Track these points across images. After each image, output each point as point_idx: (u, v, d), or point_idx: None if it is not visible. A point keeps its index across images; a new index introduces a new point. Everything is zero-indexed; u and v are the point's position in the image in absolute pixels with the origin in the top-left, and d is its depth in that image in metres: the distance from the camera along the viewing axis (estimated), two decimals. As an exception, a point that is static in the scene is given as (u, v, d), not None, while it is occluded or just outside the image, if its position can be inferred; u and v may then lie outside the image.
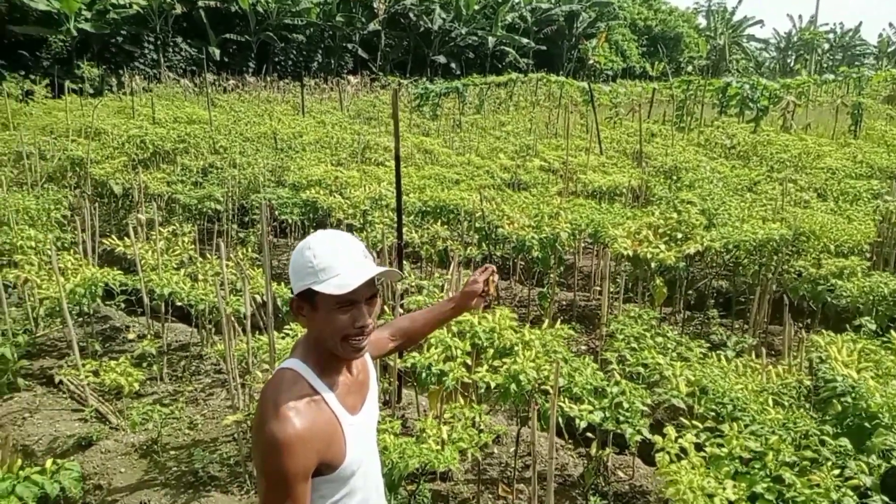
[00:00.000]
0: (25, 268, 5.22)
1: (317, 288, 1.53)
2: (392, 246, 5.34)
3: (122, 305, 6.23)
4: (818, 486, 2.19)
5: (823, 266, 5.07)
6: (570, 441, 4.28)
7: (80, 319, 5.78)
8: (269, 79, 24.39)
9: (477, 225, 6.59)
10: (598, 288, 7.05)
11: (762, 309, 5.86)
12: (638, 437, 3.16)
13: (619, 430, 3.01)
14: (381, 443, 2.72)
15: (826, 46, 56.31)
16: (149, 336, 5.24)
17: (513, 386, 3.24)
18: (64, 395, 4.88)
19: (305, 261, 1.55)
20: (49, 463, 2.31)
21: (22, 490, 2.18)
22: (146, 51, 26.92)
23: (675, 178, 8.38)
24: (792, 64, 56.20)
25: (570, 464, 4.06)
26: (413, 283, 5.00)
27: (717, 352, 3.74)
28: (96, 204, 7.72)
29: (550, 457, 2.68)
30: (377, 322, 1.70)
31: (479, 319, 3.68)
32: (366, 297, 1.59)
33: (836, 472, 2.26)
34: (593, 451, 3.14)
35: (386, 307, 4.47)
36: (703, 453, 2.43)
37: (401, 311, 4.31)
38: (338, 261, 1.54)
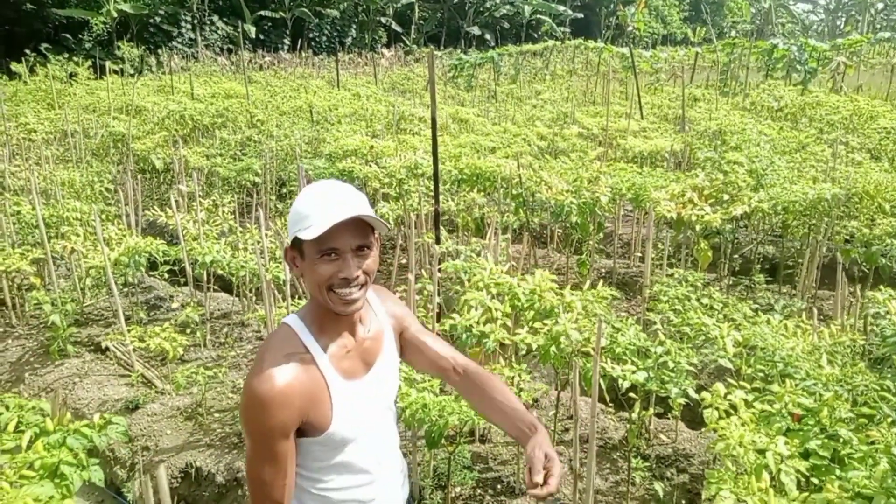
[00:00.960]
0: (71, 238, 5.34)
1: (301, 234, 1.47)
2: (429, 213, 5.30)
3: (166, 276, 6.35)
4: (877, 442, 2.09)
5: (878, 226, 4.84)
6: (610, 405, 4.22)
7: (126, 290, 5.92)
8: (303, 55, 24.43)
9: (514, 192, 6.49)
10: (640, 254, 6.91)
11: (811, 273, 5.65)
12: (682, 400, 3.09)
13: (663, 391, 2.93)
14: (419, 401, 2.70)
15: (880, 6, 53.61)
16: (191, 304, 5.33)
17: (553, 348, 3.18)
18: (111, 362, 5.01)
19: (294, 209, 1.52)
20: (97, 417, 2.35)
21: (72, 442, 2.23)
22: (183, 30, 27.23)
23: (719, 141, 8.11)
24: (842, 26, 53.74)
25: (610, 427, 4.01)
26: (451, 249, 4.96)
27: (765, 315, 3.62)
28: (138, 178, 7.87)
29: (592, 416, 2.63)
30: (373, 278, 1.60)
31: (518, 281, 3.62)
32: (352, 246, 1.51)
33: (896, 430, 2.15)
34: (635, 412, 3.07)
35: (424, 271, 4.45)
36: (752, 410, 2.34)
37: (438, 274, 4.27)
38: (318, 207, 1.48)
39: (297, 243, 1.52)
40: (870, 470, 1.98)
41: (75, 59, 21.69)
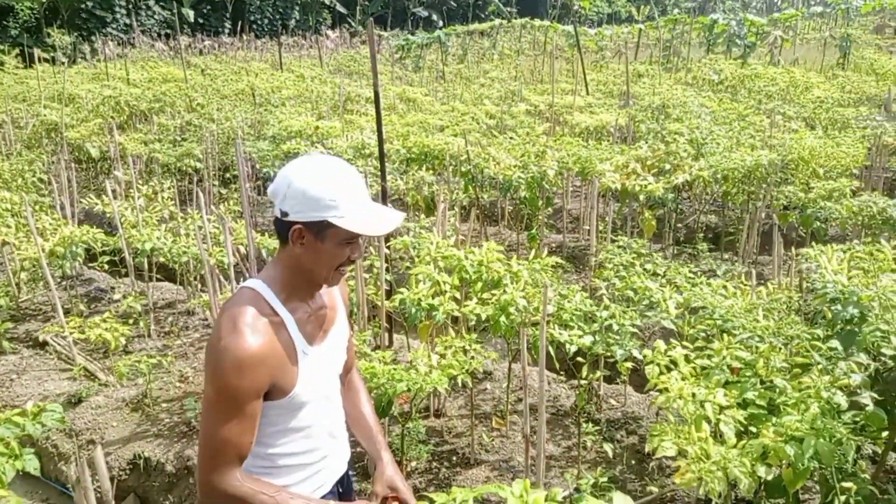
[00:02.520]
0: (2, 230, 5.10)
1: (337, 222, 1.50)
2: (377, 192, 5.25)
3: (106, 267, 6.14)
4: (809, 388, 2.17)
5: (813, 190, 5.02)
6: (561, 373, 4.28)
7: (64, 283, 5.70)
8: (245, 38, 23.79)
9: (463, 170, 6.48)
10: (588, 227, 7.01)
11: (751, 239, 5.83)
12: (629, 364, 3.15)
13: (609, 354, 2.99)
14: (368, 369, 2.69)
15: (813, -18, 55.27)
16: (133, 294, 5.17)
17: (503, 318, 3.20)
18: (51, 357, 4.82)
19: (324, 192, 1.49)
20: (30, 405, 2.26)
21: (3, 431, 2.14)
22: (118, 15, 26.17)
23: (662, 115, 8.26)
24: (779, 3, 55.27)
25: (562, 395, 4.07)
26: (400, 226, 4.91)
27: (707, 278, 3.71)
28: (73, 168, 7.56)
29: (541, 380, 2.65)
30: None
31: (466, 254, 3.62)
32: None
33: (827, 377, 2.24)
34: (583, 374, 3.12)
35: (372, 248, 4.41)
36: (693, 365, 2.40)
37: (386, 251, 4.24)
38: (358, 197, 1.53)
39: (315, 225, 1.52)
40: (802, 414, 2.06)
41: (0, 47, 20.64)
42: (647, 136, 6.58)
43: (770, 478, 2.26)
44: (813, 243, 3.17)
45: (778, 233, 3.98)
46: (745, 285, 3.53)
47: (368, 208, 1.56)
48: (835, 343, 2.28)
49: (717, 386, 2.26)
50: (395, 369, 2.67)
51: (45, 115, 8.99)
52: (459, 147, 6.48)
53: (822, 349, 2.34)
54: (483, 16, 35.59)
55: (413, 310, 3.36)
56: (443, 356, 3.08)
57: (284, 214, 1.53)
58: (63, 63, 19.29)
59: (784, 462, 2.03)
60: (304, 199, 1.50)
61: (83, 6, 25.29)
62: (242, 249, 4.79)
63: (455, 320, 3.79)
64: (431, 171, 6.39)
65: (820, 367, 2.25)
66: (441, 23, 33.20)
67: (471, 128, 7.75)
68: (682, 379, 2.30)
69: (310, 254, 1.56)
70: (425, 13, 35.42)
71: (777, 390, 2.27)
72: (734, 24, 15.56)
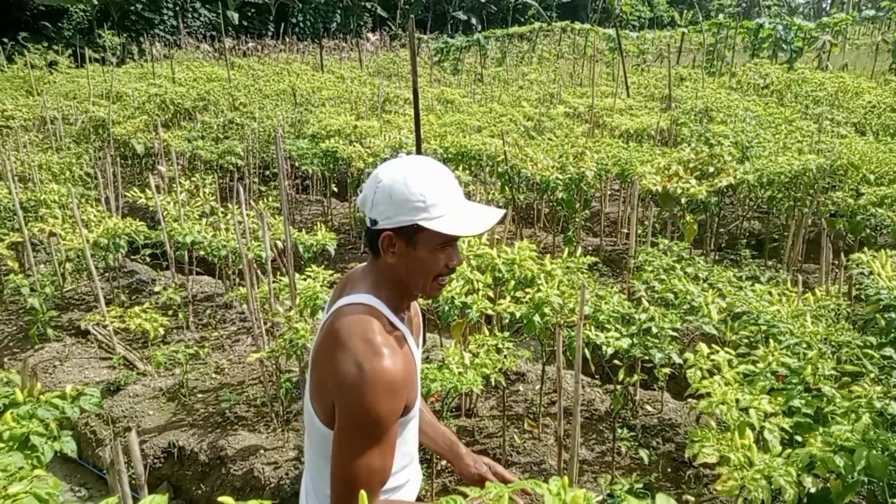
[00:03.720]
0: (49, 221, 5.25)
1: (428, 225, 1.38)
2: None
3: (148, 260, 6.26)
4: (860, 398, 2.07)
5: (863, 196, 4.83)
6: (596, 377, 4.20)
7: (107, 274, 5.83)
8: (287, 41, 24.14)
9: (499, 170, 6.44)
10: (626, 231, 6.88)
11: (797, 247, 5.65)
12: (667, 369, 3.07)
13: (647, 357, 2.91)
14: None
15: (865, -13, 53.66)
16: (174, 287, 5.26)
17: (536, 317, 3.15)
18: (92, 345, 4.94)
19: (411, 194, 1.37)
20: (69, 388, 2.30)
21: (43, 413, 2.18)
22: (165, 17, 26.82)
23: (706, 118, 8.09)
24: (828, 8, 53.82)
25: (597, 399, 3.99)
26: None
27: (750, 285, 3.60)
28: (119, 163, 7.75)
29: (577, 381, 2.60)
30: None
31: (498, 252, 3.58)
32: None
33: (879, 386, 2.14)
34: (620, 377, 3.05)
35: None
36: (736, 370, 2.32)
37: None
38: (450, 196, 1.41)
39: (405, 231, 1.40)
40: (852, 424, 1.97)
41: (55, 47, 21.34)
42: (691, 138, 6.43)
43: (814, 490, 2.17)
44: (864, 250, 3.04)
45: (825, 235, 3.84)
46: (791, 292, 3.41)
47: (462, 208, 1.43)
48: (889, 351, 2.17)
49: (762, 392, 2.17)
50: (427, 368, 2.64)
51: (93, 112, 9.25)
52: (497, 147, 6.44)
53: (874, 357, 2.24)
54: (522, 20, 35.46)
55: (446, 307, 3.33)
56: (475, 355, 3.04)
57: (374, 223, 1.42)
58: (112, 63, 19.85)
59: (832, 473, 1.94)
60: (391, 203, 1.38)
61: (132, 8, 25.99)
62: (280, 244, 4.82)
63: (488, 319, 3.75)
64: (468, 172, 6.36)
65: (872, 375, 2.15)
66: (480, 26, 33.21)
67: (509, 129, 7.70)
68: (726, 384, 2.22)
69: (403, 263, 1.44)
70: (465, 17, 35.47)
71: (825, 399, 2.18)
72: (780, 29, 15.17)
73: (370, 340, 1.37)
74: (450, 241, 1.43)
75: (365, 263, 1.59)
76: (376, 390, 1.33)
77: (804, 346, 2.41)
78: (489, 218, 1.45)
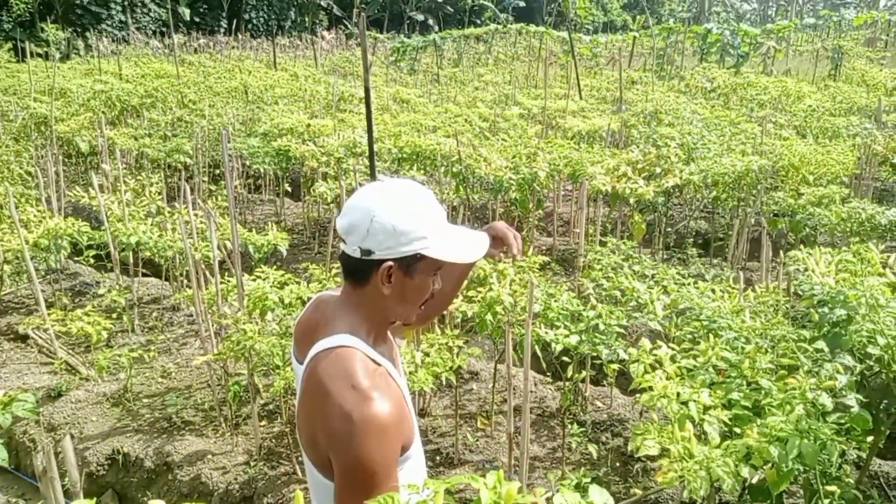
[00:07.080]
0: (-16, 221, 5.03)
1: (429, 253, 1.36)
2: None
3: (92, 261, 6.06)
4: (794, 389, 2.15)
5: (803, 196, 5.02)
6: (548, 375, 4.26)
7: (49, 277, 5.62)
8: (240, 38, 23.73)
9: (454, 170, 6.46)
10: (578, 230, 6.99)
11: (740, 245, 5.83)
12: (615, 365, 3.12)
13: (595, 354, 2.96)
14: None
15: (807, -4, 55.80)
16: (118, 289, 5.10)
17: (488, 316, 3.16)
18: (32, 350, 4.76)
19: (413, 224, 1.34)
20: (0, 394, 2.21)
21: (-30, 422, 2.08)
22: (113, 12, 26.03)
23: (655, 121, 8.27)
24: (773, 15, 55.74)
25: (548, 396, 4.04)
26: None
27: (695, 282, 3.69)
28: (62, 162, 7.48)
29: (525, 378, 2.62)
30: None
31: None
32: None
33: (813, 378, 2.22)
34: (569, 374, 3.09)
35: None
36: (678, 365, 2.37)
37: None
38: (440, 221, 1.40)
39: (405, 260, 1.37)
40: (787, 415, 2.04)
41: (-7, 41, 20.48)
42: (639, 140, 6.57)
43: (754, 480, 2.24)
44: (801, 247, 3.16)
45: (767, 238, 3.97)
46: (733, 289, 3.51)
47: (453, 232, 1.43)
48: (821, 344, 2.26)
49: (702, 386, 2.23)
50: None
51: (34, 109, 8.90)
52: (451, 147, 6.45)
53: (808, 351, 2.32)
54: (479, 21, 35.66)
55: (399, 307, 3.32)
56: (427, 354, 3.04)
57: (367, 253, 1.35)
58: (55, 58, 19.16)
59: (768, 463, 2.01)
60: (393, 234, 1.33)
61: (78, 2, 25.15)
62: (229, 245, 4.73)
63: (441, 318, 3.75)
64: (423, 172, 6.36)
65: (806, 368, 2.23)
66: (437, 27, 33.24)
67: (463, 129, 7.73)
68: (667, 378, 2.27)
69: (398, 292, 1.39)
70: (421, 17, 35.47)
71: (762, 391, 2.25)
72: (728, 34, 15.63)
73: (356, 386, 1.31)
74: (440, 266, 1.43)
75: (333, 293, 1.54)
76: (369, 439, 1.27)
77: (743, 340, 2.49)
78: (481, 243, 1.50)
